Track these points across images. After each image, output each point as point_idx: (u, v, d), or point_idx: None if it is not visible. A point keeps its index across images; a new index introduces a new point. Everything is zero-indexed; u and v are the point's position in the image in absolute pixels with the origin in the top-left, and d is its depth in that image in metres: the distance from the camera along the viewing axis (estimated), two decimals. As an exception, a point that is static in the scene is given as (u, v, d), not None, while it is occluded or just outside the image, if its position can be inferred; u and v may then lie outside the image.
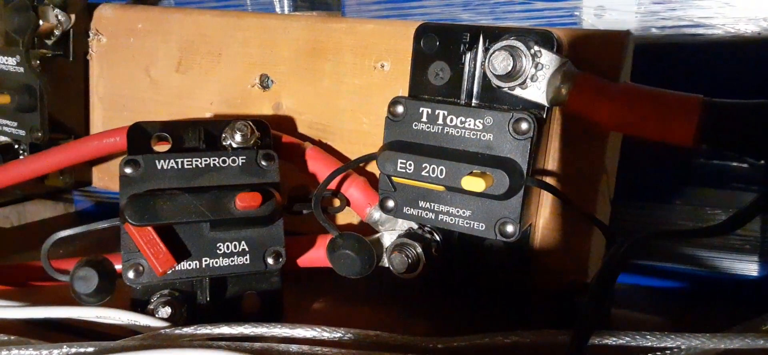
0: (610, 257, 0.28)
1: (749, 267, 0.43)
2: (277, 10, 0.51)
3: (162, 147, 0.36)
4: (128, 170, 0.33)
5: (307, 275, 0.39)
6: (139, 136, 0.36)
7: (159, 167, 0.33)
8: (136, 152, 0.34)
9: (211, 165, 0.34)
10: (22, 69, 0.46)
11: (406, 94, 0.36)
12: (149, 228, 0.31)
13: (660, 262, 0.45)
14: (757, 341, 0.28)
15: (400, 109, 0.35)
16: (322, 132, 0.43)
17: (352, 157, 0.41)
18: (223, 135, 0.37)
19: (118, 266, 0.33)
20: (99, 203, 0.65)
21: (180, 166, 0.33)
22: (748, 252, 0.42)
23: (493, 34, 0.33)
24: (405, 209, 0.35)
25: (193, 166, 0.34)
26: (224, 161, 0.34)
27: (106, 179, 0.50)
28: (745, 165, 0.42)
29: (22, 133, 0.48)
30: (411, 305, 0.40)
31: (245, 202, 0.32)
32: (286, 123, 0.43)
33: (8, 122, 0.48)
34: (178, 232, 0.33)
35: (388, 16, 0.48)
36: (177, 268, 0.32)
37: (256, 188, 0.33)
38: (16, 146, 0.49)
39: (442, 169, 0.33)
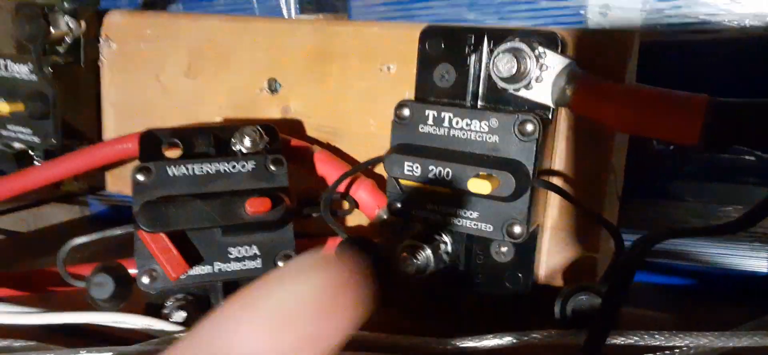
0: (624, 259, 0.28)
1: (759, 264, 0.43)
2: (284, 12, 0.52)
3: (173, 153, 0.37)
4: (140, 177, 0.33)
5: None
6: (151, 143, 0.36)
7: (170, 174, 0.34)
8: (148, 159, 0.35)
9: (222, 171, 0.35)
10: (34, 77, 0.47)
11: (412, 96, 0.36)
12: (162, 234, 0.32)
13: (668, 259, 0.45)
14: (766, 340, 0.28)
15: (406, 112, 0.35)
16: (330, 135, 0.43)
17: (360, 159, 0.42)
18: (233, 140, 0.37)
19: (132, 271, 0.33)
20: (113, 206, 0.66)
21: (191, 173, 0.34)
22: (758, 249, 0.42)
23: (498, 36, 0.34)
24: (413, 211, 0.36)
25: (204, 172, 0.34)
26: (234, 167, 0.35)
27: (119, 183, 0.51)
28: (753, 159, 0.42)
29: (36, 140, 0.48)
30: (419, 306, 0.40)
31: (255, 207, 0.32)
32: (295, 126, 0.44)
33: (22, 129, 0.49)
34: (190, 237, 0.33)
35: (395, 17, 0.48)
36: (190, 273, 0.33)
37: (265, 193, 0.34)
38: (31, 153, 0.50)
39: (448, 172, 0.33)
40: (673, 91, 0.30)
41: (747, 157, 0.42)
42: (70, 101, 0.49)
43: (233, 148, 0.37)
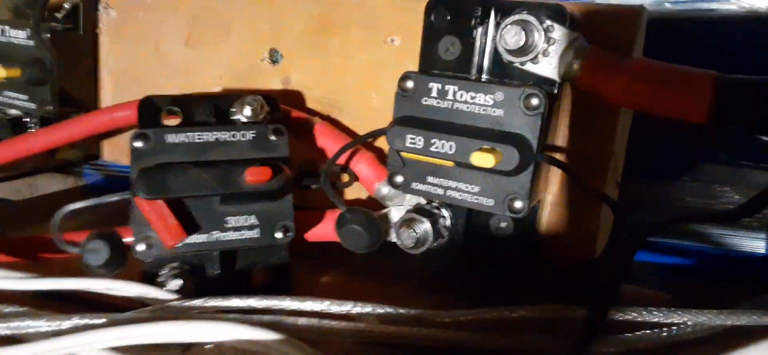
0: (627, 240, 0.28)
1: (758, 245, 0.42)
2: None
3: (172, 121, 0.36)
4: (138, 144, 0.33)
5: (315, 250, 0.39)
6: (150, 110, 0.36)
7: (169, 141, 0.33)
8: (147, 126, 0.34)
9: (221, 139, 0.34)
10: (32, 42, 0.46)
11: (415, 69, 0.36)
12: (160, 201, 0.31)
13: (668, 238, 0.44)
14: (764, 319, 0.28)
15: (409, 84, 0.35)
16: (331, 107, 0.43)
17: (361, 132, 0.41)
18: (233, 109, 0.37)
19: (128, 239, 0.33)
20: (109, 176, 0.65)
21: (190, 141, 0.34)
22: (757, 229, 0.42)
23: (505, 8, 0.33)
24: (413, 185, 0.35)
25: (203, 140, 0.34)
26: (234, 136, 0.34)
27: (116, 152, 0.51)
28: (754, 143, 0.42)
29: (32, 106, 0.48)
30: (418, 280, 0.40)
31: (255, 176, 0.32)
32: (295, 98, 0.43)
33: (19, 95, 0.48)
34: (187, 205, 0.33)
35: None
36: (187, 241, 0.33)
37: (265, 163, 0.33)
38: (26, 119, 0.49)
39: (451, 145, 0.32)
40: (681, 67, 0.30)
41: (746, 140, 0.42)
42: (67, 68, 0.48)
43: (233, 117, 0.36)
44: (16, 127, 0.49)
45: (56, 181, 0.65)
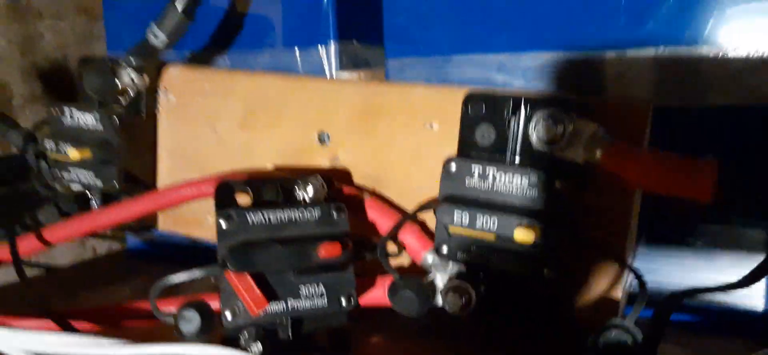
0: (658, 315, 0.33)
1: (756, 303, 0.48)
2: (325, 69, 0.57)
3: (244, 199, 0.41)
4: (224, 223, 0.38)
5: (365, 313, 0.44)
6: (226, 191, 0.41)
7: (249, 220, 0.38)
8: (224, 205, 0.39)
9: (293, 218, 0.39)
10: (100, 125, 0.52)
11: (453, 151, 0.41)
12: (246, 274, 0.36)
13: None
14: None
15: (453, 167, 0.40)
16: (376, 182, 0.48)
17: (405, 206, 0.46)
18: (297, 188, 0.42)
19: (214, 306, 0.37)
20: (151, 242, 0.69)
21: (267, 220, 0.39)
22: (755, 287, 0.48)
23: (534, 102, 0.39)
24: (458, 255, 0.40)
25: (278, 218, 0.39)
26: (303, 214, 0.40)
27: (169, 222, 0.55)
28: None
29: (98, 183, 0.52)
30: (460, 338, 0.45)
31: (328, 251, 0.37)
32: (343, 174, 0.49)
33: (85, 173, 0.53)
34: (268, 277, 0.38)
35: (429, 76, 0.53)
36: (266, 309, 0.37)
37: (332, 237, 0.38)
38: (89, 195, 0.54)
39: (494, 221, 0.38)
40: (687, 156, 0.36)
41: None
42: (130, 148, 0.53)
43: (297, 196, 0.41)
44: (82, 203, 0.53)
45: (102, 244, 0.69)
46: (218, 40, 0.60)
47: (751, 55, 0.42)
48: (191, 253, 0.64)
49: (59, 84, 0.75)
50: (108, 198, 0.54)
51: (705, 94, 0.43)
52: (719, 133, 0.46)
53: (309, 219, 0.40)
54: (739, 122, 0.44)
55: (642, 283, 0.37)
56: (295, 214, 0.39)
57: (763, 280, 0.47)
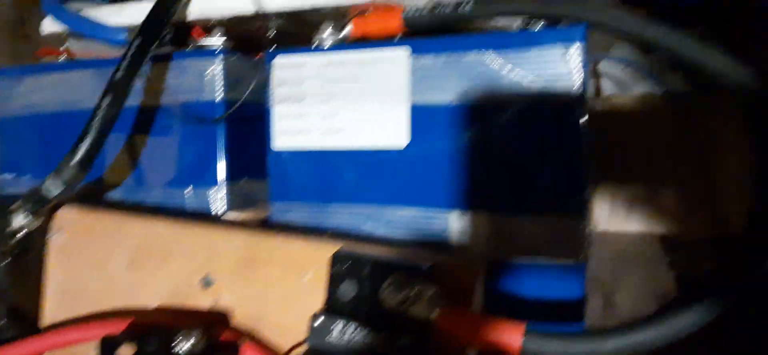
0: None
1: None
2: (212, 208, 0.62)
3: (127, 351, 0.45)
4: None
5: None
6: (110, 346, 0.45)
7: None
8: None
9: (173, 373, 0.44)
10: (-14, 267, 0.54)
11: (323, 300, 0.48)
12: None
13: None
14: None
15: (317, 322, 0.47)
16: (256, 322, 0.54)
17: (282, 347, 0.52)
18: (179, 338, 0.47)
19: None
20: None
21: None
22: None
23: (385, 267, 0.47)
24: (320, 399, 0.47)
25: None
26: (184, 369, 0.44)
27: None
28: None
29: (-20, 322, 0.54)
30: None
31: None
32: (224, 317, 0.54)
33: (-33, 312, 0.54)
34: None
35: (308, 219, 0.60)
36: None
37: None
38: (-32, 332, 0.55)
39: (351, 376, 0.45)
40: (498, 317, 0.45)
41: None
42: (16, 286, 0.55)
43: (178, 349, 0.46)
44: (-41, 340, 0.54)
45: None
46: (112, 178, 0.64)
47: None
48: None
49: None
50: (-10, 336, 0.55)
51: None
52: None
53: (190, 373, 0.45)
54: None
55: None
56: (175, 369, 0.44)
57: None
